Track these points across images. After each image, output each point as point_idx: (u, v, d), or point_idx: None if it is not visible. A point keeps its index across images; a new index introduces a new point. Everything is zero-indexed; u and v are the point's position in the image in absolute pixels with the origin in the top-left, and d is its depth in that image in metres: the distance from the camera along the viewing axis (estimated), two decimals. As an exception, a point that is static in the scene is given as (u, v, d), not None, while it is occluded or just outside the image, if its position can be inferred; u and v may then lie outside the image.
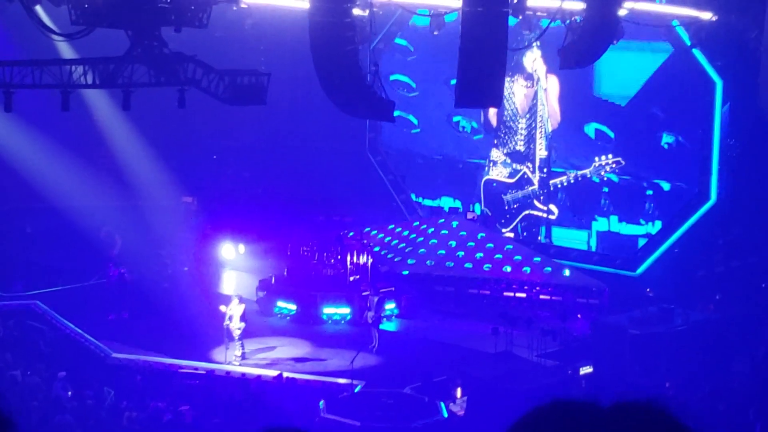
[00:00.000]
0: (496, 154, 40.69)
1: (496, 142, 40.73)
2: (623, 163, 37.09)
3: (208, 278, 35.71)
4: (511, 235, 39.44)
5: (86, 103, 36.51)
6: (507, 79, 35.49)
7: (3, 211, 37.58)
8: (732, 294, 31.78)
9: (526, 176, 39.82)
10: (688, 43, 33.01)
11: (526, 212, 39.87)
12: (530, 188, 39.71)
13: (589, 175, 37.98)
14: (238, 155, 42.95)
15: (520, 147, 40.03)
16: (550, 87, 38.81)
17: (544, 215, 39.41)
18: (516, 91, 39.56)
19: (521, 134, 39.94)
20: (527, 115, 39.65)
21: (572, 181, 38.56)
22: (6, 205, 37.60)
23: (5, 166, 36.40)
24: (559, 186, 38.94)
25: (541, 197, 39.43)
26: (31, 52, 26.63)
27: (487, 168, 40.93)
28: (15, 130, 35.57)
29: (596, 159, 37.67)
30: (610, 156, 37.36)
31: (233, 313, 28.35)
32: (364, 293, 31.89)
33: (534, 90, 39.31)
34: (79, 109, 31.55)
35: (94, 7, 22.76)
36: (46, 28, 23.82)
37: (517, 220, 40.02)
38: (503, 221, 40.26)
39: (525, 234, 39.78)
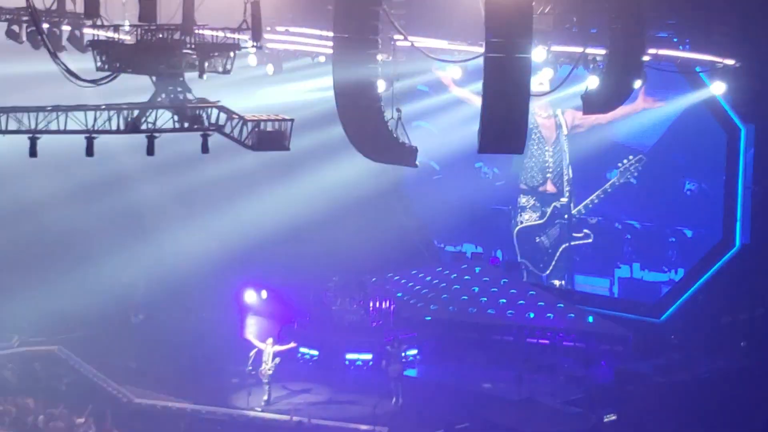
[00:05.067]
0: (524, 199, 40.55)
1: (522, 186, 40.57)
2: (645, 159, 36.90)
3: (231, 324, 35.62)
4: (557, 283, 39.31)
5: (110, 148, 36.47)
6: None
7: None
8: (757, 341, 31.55)
9: (556, 211, 39.64)
10: (711, 90, 32.94)
11: (564, 245, 39.52)
12: (562, 220, 39.47)
13: (617, 183, 37.77)
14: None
15: (545, 187, 39.85)
16: (573, 123, 38.76)
17: (584, 240, 39.06)
18: (539, 125, 39.52)
19: (547, 172, 39.78)
20: (551, 151, 39.53)
21: (609, 192, 38.33)
22: (30, 249, 37.64)
23: (29, 212, 36.48)
24: (591, 205, 38.73)
25: (575, 225, 39.24)
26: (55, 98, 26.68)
27: (518, 217, 40.72)
28: (39, 176, 35.60)
29: (620, 164, 37.54)
30: (631, 157, 37.20)
31: (261, 357, 28.41)
32: (387, 347, 31.32)
33: (556, 131, 39.26)
34: (103, 155, 31.62)
35: (118, 53, 22.90)
36: (71, 73, 23.98)
37: (556, 257, 39.72)
38: (541, 265, 40.08)
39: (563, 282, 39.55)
